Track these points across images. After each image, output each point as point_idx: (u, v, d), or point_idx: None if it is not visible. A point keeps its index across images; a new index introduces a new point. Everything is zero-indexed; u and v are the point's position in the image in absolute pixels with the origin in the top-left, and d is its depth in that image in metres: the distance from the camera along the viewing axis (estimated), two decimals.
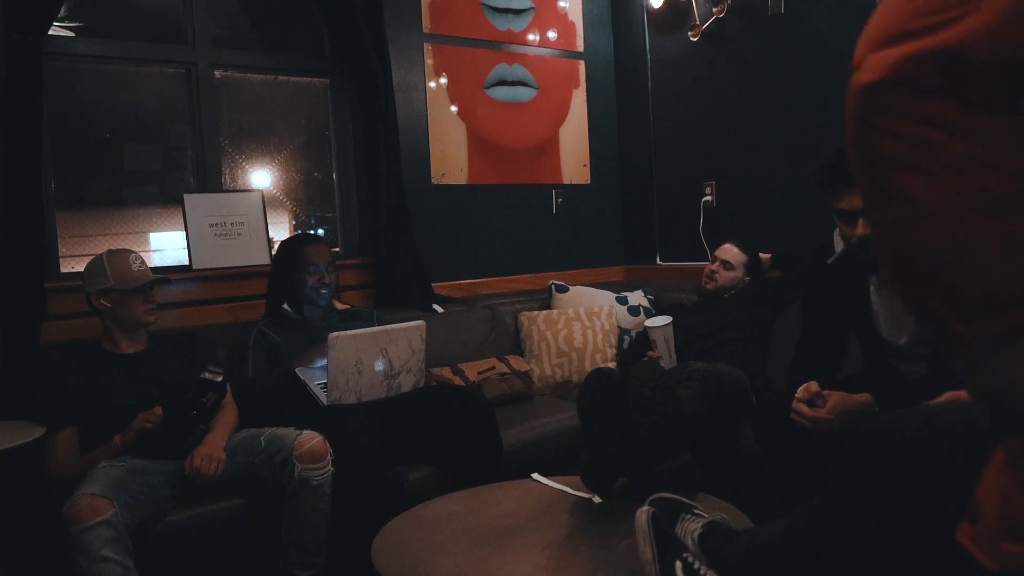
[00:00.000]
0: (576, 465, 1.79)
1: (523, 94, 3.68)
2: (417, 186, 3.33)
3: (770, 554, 1.18)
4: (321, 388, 2.32)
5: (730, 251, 2.92)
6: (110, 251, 2.20)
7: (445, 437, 2.30)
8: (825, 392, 1.81)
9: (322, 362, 2.35)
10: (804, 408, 1.80)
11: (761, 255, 2.97)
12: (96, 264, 2.17)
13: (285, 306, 2.54)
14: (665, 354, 2.56)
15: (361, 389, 2.30)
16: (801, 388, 1.83)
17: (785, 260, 2.93)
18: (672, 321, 2.59)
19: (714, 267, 2.89)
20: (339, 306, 2.67)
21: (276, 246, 2.75)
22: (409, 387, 2.43)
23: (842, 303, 2.03)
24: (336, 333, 2.25)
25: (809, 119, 3.13)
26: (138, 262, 2.20)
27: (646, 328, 2.65)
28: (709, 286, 2.87)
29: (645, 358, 2.64)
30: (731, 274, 2.87)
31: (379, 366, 2.33)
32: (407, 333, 2.40)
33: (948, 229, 0.46)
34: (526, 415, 2.71)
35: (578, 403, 1.86)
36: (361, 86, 3.10)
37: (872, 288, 1.95)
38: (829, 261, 2.04)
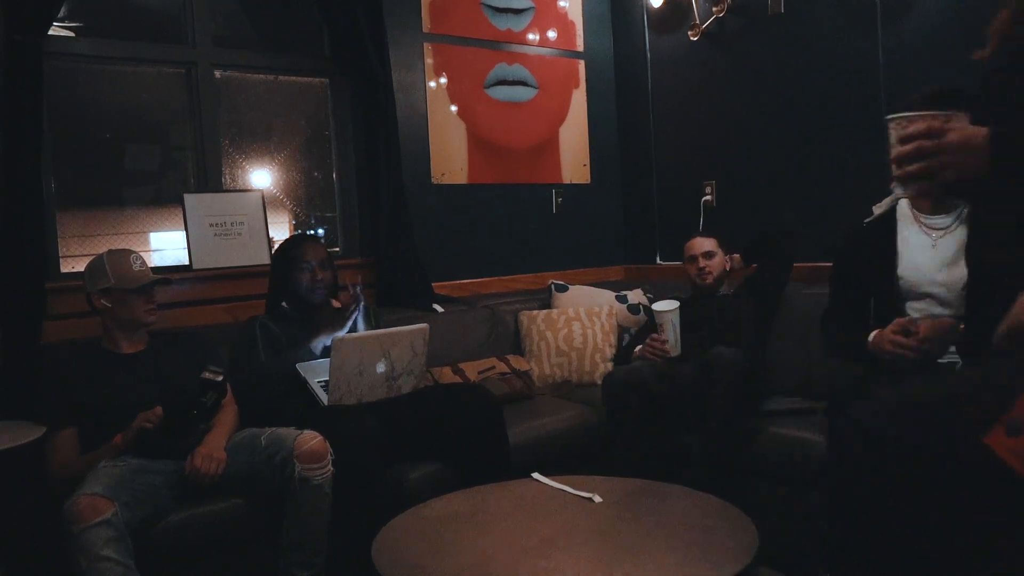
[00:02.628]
0: (575, 466, 1.80)
1: (523, 94, 3.68)
2: (417, 186, 3.33)
3: None
4: (321, 386, 2.32)
5: (701, 243, 2.91)
6: (111, 251, 2.20)
7: (453, 435, 2.30)
8: (915, 321, 1.92)
9: (327, 340, 2.36)
10: (902, 339, 1.89)
11: (732, 256, 2.95)
12: (97, 264, 2.17)
13: (284, 304, 2.55)
14: (672, 338, 2.55)
15: (362, 391, 2.30)
16: (893, 323, 1.93)
17: (757, 245, 2.89)
18: (679, 306, 2.57)
19: (700, 263, 2.88)
20: (336, 304, 2.66)
21: (276, 246, 2.75)
22: (409, 388, 2.43)
23: (869, 267, 2.13)
24: (340, 336, 2.25)
25: (809, 119, 3.13)
26: (139, 262, 2.20)
27: (654, 311, 2.63)
28: (707, 280, 2.86)
29: (648, 342, 2.62)
30: (716, 260, 2.87)
31: (381, 368, 2.33)
32: (410, 336, 2.39)
33: None
34: (526, 415, 2.71)
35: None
36: (361, 86, 3.10)
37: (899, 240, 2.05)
38: (866, 221, 2.16)
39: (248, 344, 2.43)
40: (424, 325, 2.44)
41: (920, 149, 1.04)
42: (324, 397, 2.29)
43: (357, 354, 2.27)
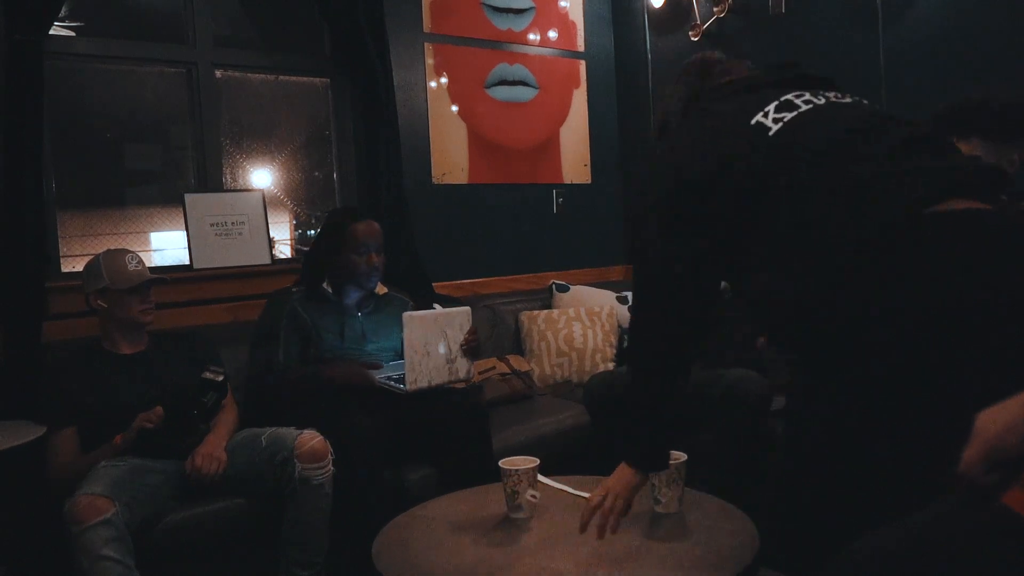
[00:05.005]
0: (575, 466, 1.79)
1: (524, 94, 3.68)
2: (418, 186, 3.32)
3: None
4: (385, 379, 2.30)
5: None
6: (108, 251, 2.20)
7: (439, 438, 2.30)
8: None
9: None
10: None
11: None
12: (93, 264, 2.17)
13: (325, 285, 2.44)
14: None
15: (431, 372, 2.27)
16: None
17: None
18: None
19: None
20: (379, 290, 2.58)
21: (324, 221, 2.58)
22: (464, 372, 2.38)
23: None
24: (408, 313, 2.24)
25: None
26: (135, 262, 2.19)
27: None
28: None
29: None
30: None
31: (442, 349, 2.30)
32: (459, 317, 2.37)
33: None
34: (527, 415, 2.71)
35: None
36: (361, 86, 3.10)
37: None
38: None
39: (268, 336, 2.34)
40: (467, 308, 2.42)
41: (593, 507, 1.45)
42: (397, 387, 2.26)
43: (423, 332, 2.25)
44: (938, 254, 1.05)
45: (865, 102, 1.33)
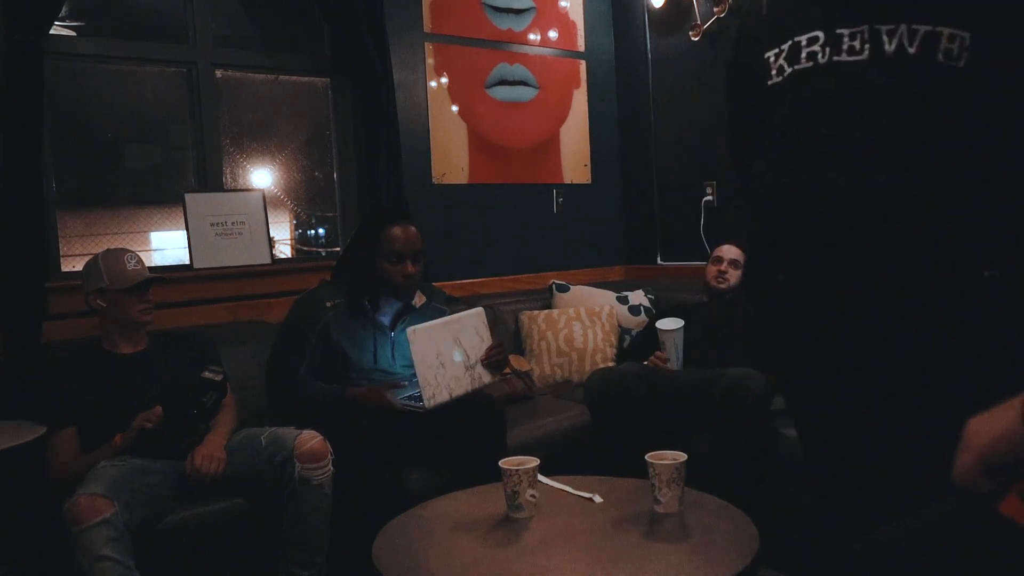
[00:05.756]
0: (575, 466, 1.79)
1: (524, 94, 3.68)
2: (418, 186, 3.32)
3: None
4: (405, 399, 2.26)
5: (730, 249, 2.91)
6: (107, 251, 2.20)
7: (452, 440, 2.27)
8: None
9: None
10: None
11: None
12: (92, 264, 2.16)
13: (366, 302, 2.33)
14: (673, 358, 2.56)
15: (450, 383, 2.20)
16: None
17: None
18: (684, 325, 2.58)
19: (723, 267, 2.86)
20: (417, 301, 2.47)
21: (357, 228, 2.47)
22: (489, 378, 2.33)
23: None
24: (412, 328, 2.15)
25: None
26: (133, 261, 2.18)
27: (657, 329, 2.63)
28: (722, 286, 2.85)
29: (652, 358, 2.64)
30: (739, 272, 2.86)
31: (458, 357, 2.24)
32: (472, 321, 2.32)
33: None
34: (527, 415, 2.70)
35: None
36: (362, 86, 3.10)
37: None
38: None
39: (295, 341, 2.28)
40: (479, 309, 2.38)
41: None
42: (418, 405, 2.20)
43: (434, 344, 2.18)
44: (802, 271, 1.24)
45: (890, 48, 1.12)
